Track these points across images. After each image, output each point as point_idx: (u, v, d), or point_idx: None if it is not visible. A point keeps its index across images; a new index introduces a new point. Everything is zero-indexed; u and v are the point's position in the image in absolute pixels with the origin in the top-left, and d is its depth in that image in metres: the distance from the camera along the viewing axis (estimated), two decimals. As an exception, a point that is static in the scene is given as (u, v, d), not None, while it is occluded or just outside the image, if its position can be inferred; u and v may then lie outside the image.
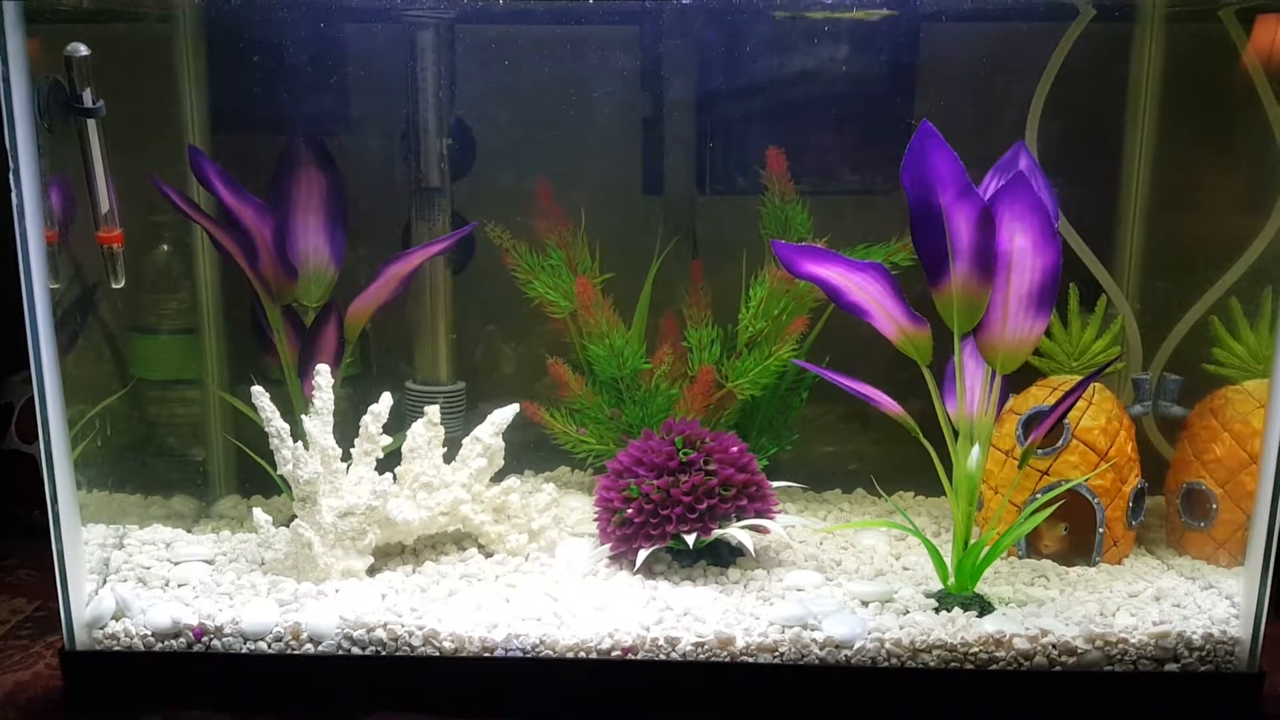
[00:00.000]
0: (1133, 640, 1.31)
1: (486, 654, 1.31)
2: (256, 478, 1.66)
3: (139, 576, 1.45)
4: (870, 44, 1.66)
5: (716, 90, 1.71)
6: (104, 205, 1.33)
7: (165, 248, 1.69)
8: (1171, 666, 1.31)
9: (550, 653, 1.31)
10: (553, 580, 1.46)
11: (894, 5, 1.59)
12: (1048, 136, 1.62)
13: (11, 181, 1.22)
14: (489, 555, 1.54)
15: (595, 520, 1.54)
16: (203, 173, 1.49)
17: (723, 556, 1.51)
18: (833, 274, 1.32)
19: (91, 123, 1.30)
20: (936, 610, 1.37)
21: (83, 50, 1.27)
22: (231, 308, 1.71)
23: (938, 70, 1.68)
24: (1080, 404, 1.52)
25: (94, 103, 1.29)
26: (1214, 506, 1.53)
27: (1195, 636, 1.32)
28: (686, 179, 1.75)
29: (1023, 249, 1.26)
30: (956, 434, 1.38)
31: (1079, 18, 1.58)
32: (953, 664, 1.30)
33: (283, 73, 1.63)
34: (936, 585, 1.43)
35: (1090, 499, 1.51)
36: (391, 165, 1.71)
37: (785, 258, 1.34)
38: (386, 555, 1.51)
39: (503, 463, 1.55)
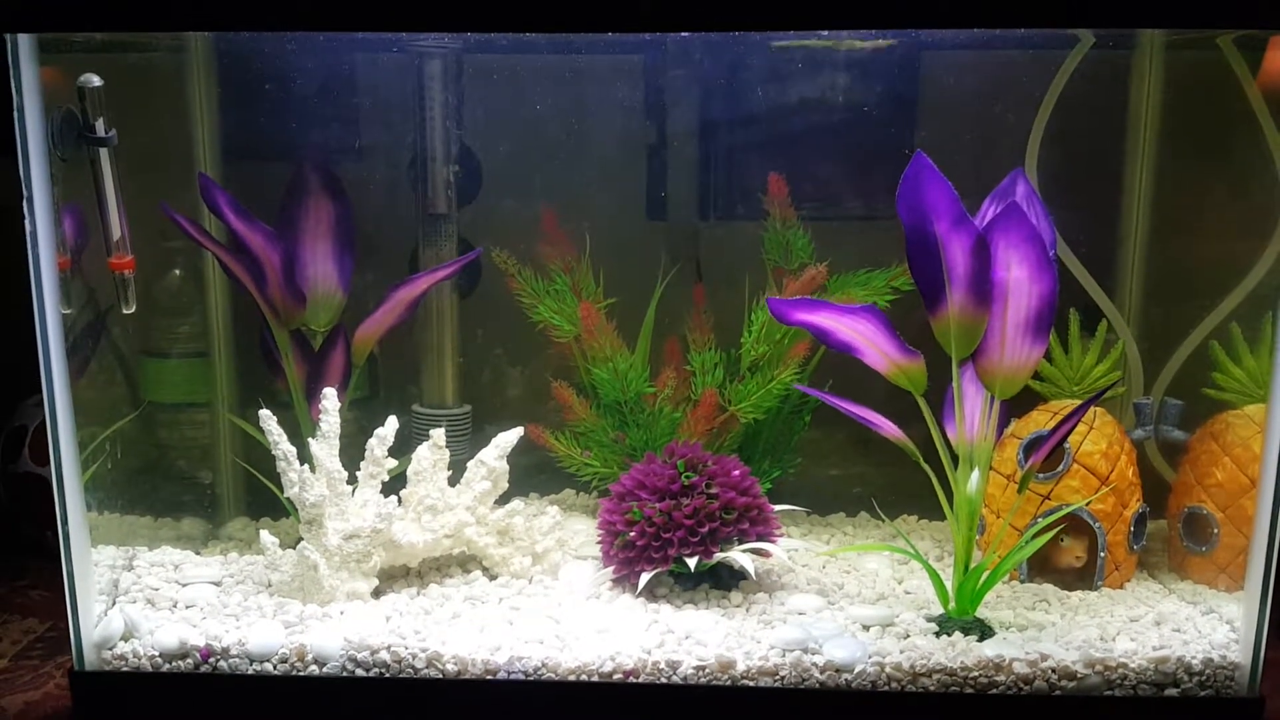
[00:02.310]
0: (1132, 665, 1.31)
1: (489, 676, 1.32)
2: (265, 500, 1.68)
3: (148, 598, 1.47)
4: (871, 73, 1.68)
5: (718, 118, 1.74)
6: (116, 232, 1.36)
7: (177, 273, 1.72)
8: (1171, 691, 1.32)
9: (552, 675, 1.32)
10: (556, 603, 1.47)
11: (893, 35, 1.60)
12: (1048, 163, 1.63)
13: (25, 209, 1.25)
14: (493, 578, 1.55)
15: (598, 543, 1.55)
16: (212, 200, 1.51)
17: (725, 580, 1.51)
18: (823, 319, 1.34)
19: (104, 151, 1.33)
20: (937, 634, 1.38)
21: (95, 81, 1.30)
22: (241, 332, 1.73)
23: (938, 98, 1.69)
24: (1081, 428, 1.53)
25: (106, 132, 1.32)
26: (1215, 531, 1.53)
27: (1195, 661, 1.32)
28: (689, 205, 1.77)
29: (1019, 277, 1.27)
30: (956, 459, 1.39)
31: (1078, 46, 1.59)
32: (952, 688, 1.31)
33: (293, 102, 1.65)
34: (938, 609, 1.43)
35: (1091, 523, 1.51)
36: (399, 192, 1.73)
37: (777, 311, 1.36)
38: (391, 578, 1.53)
39: (507, 486, 1.57)
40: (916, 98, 1.69)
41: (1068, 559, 1.52)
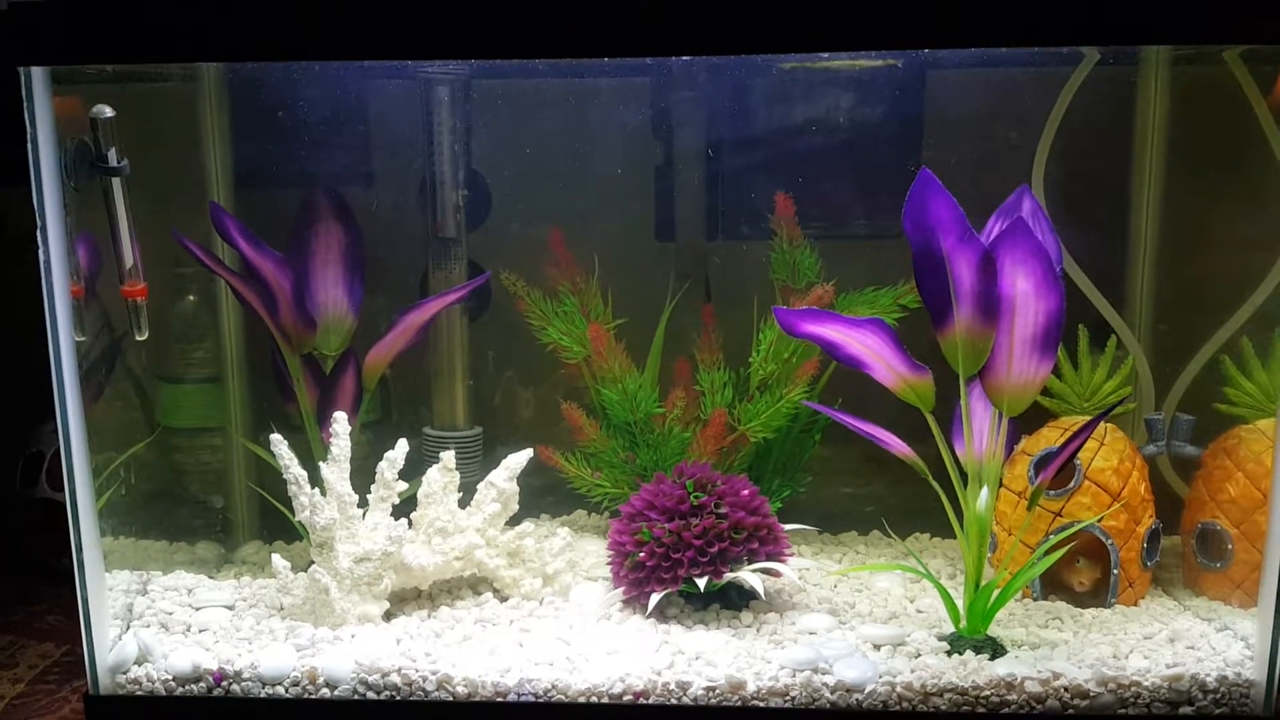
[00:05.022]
0: (1146, 683, 1.30)
1: (499, 699, 1.32)
2: (279, 524, 1.69)
3: (161, 622, 1.48)
4: (876, 92, 1.68)
5: (725, 139, 1.74)
6: (128, 260, 1.37)
7: (191, 299, 1.73)
8: (1186, 710, 1.30)
9: (562, 697, 1.32)
10: (566, 624, 1.47)
11: (898, 55, 1.61)
12: (1055, 180, 1.63)
13: (39, 239, 1.27)
14: (504, 600, 1.55)
15: (609, 564, 1.56)
16: (223, 227, 1.53)
17: (735, 600, 1.51)
18: (831, 331, 1.34)
19: (116, 181, 1.34)
20: (948, 653, 1.37)
21: (108, 112, 1.32)
22: (254, 356, 1.74)
23: (944, 117, 1.70)
24: (1092, 445, 1.53)
25: (118, 162, 1.33)
26: (1230, 547, 1.52)
27: (1209, 679, 1.31)
28: (697, 225, 1.78)
29: (1025, 293, 1.27)
30: (966, 477, 1.39)
31: (1083, 62, 1.59)
32: (964, 707, 1.30)
33: (303, 129, 1.67)
34: (950, 628, 1.43)
35: (1104, 540, 1.50)
36: (409, 216, 1.75)
37: (784, 321, 1.37)
38: (402, 600, 1.53)
39: (517, 507, 1.57)
40: (922, 116, 1.69)
41: (1073, 580, 1.51)
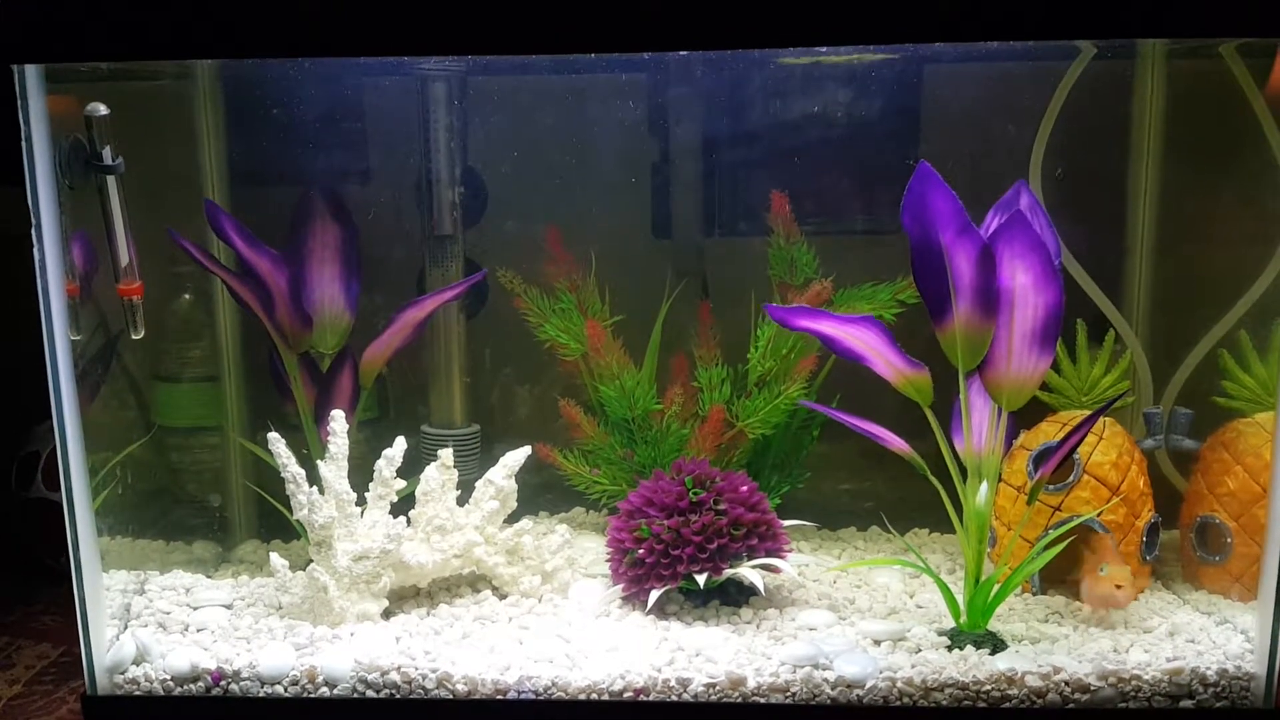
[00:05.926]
0: (1146, 677, 1.30)
1: (499, 696, 1.32)
2: (276, 523, 1.69)
3: (159, 621, 1.47)
4: (873, 88, 1.68)
5: (722, 135, 1.74)
6: (123, 259, 1.37)
7: (187, 297, 1.73)
8: (1186, 703, 1.31)
9: (562, 695, 1.31)
10: (565, 621, 1.47)
11: (895, 50, 1.61)
12: (1053, 174, 1.63)
13: (33, 238, 1.26)
14: (503, 597, 1.55)
15: (607, 561, 1.55)
16: (219, 226, 1.52)
17: (734, 596, 1.51)
18: (825, 327, 1.34)
19: (111, 179, 1.34)
20: (949, 648, 1.37)
21: (102, 110, 1.32)
22: (251, 355, 1.74)
23: (941, 112, 1.70)
24: (1091, 439, 1.53)
25: (113, 160, 1.33)
26: (1229, 540, 1.52)
27: (1210, 673, 1.31)
28: (694, 222, 1.78)
29: (1024, 287, 1.27)
30: (965, 472, 1.39)
31: (1079, 57, 1.59)
32: (965, 702, 1.30)
33: (298, 127, 1.67)
34: (950, 623, 1.43)
35: (1103, 534, 1.50)
36: (406, 214, 1.74)
37: (778, 318, 1.37)
38: (401, 598, 1.53)
39: (515, 505, 1.57)
40: (919, 111, 1.69)
41: (1106, 587, 1.45)
